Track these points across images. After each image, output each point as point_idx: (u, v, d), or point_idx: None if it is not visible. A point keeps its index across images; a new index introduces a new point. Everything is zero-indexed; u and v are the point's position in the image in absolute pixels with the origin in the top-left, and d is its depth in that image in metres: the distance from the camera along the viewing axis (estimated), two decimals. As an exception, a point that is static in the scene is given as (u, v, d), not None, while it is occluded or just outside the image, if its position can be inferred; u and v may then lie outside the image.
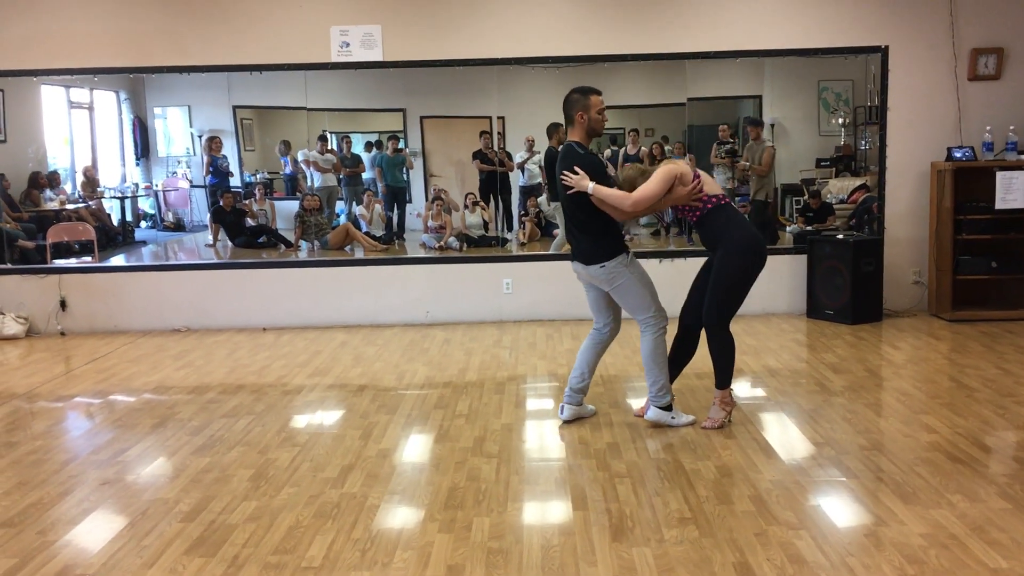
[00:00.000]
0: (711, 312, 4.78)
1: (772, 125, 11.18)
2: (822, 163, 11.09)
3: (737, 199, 10.39)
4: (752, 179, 9.32)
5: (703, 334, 4.92)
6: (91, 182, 11.40)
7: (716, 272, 4.75)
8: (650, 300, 4.82)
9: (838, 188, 10.82)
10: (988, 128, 7.38)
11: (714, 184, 4.81)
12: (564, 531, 3.62)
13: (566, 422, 5.01)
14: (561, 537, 3.56)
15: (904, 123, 7.73)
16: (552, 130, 8.70)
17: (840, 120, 11.51)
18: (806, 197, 9.38)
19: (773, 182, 9.47)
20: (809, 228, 8.78)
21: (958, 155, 7.38)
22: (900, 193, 7.83)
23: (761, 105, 11.80)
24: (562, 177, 4.69)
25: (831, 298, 7.57)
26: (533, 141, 10.31)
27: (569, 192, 4.68)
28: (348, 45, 7.71)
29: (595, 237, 4.77)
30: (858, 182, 10.38)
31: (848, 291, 7.42)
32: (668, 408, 4.90)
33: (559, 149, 4.91)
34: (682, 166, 4.71)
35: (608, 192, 4.61)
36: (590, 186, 4.59)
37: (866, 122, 10.14)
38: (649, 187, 4.59)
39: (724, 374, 4.85)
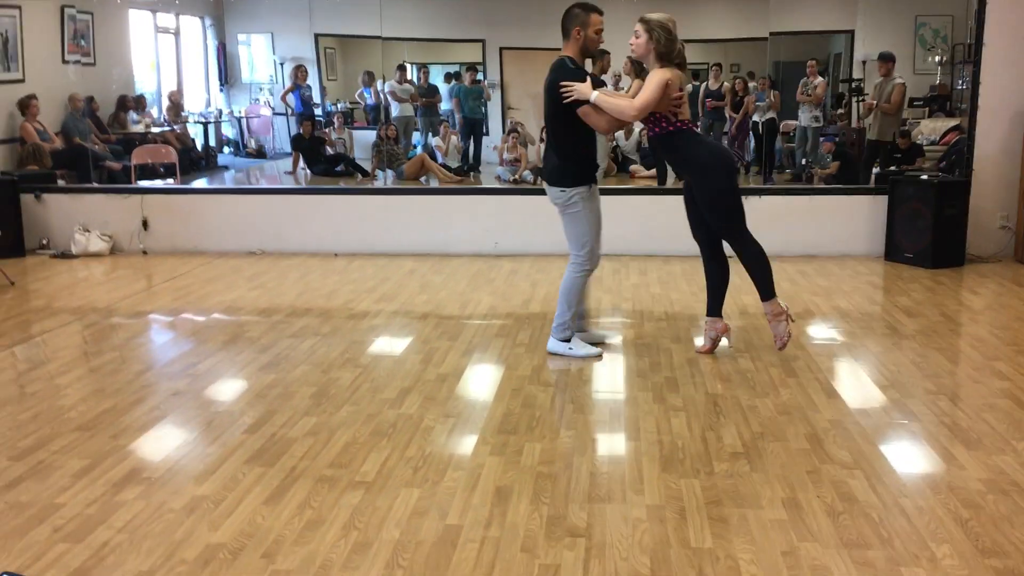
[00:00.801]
0: (724, 234, 4.81)
1: (864, 62, 10.76)
2: (915, 102, 10.65)
3: (823, 138, 10.11)
4: (876, 118, 8.92)
5: (726, 248, 4.92)
6: (176, 107, 11.67)
7: (702, 197, 4.75)
8: (588, 241, 4.83)
9: (930, 129, 10.41)
10: (1092, 67, 6.97)
11: (687, 111, 4.71)
12: (614, 460, 3.63)
13: (578, 357, 4.97)
14: (610, 466, 3.58)
15: (1000, 60, 7.33)
16: (596, 57, 8.57)
17: (937, 58, 11.02)
18: (895, 138, 9.03)
19: (898, 122, 9.07)
20: (894, 169, 8.46)
21: (1057, 95, 7.00)
22: (992, 134, 7.46)
23: (853, 41, 11.37)
24: (562, 89, 4.58)
25: (911, 241, 7.32)
26: (620, 77, 10.10)
27: (566, 101, 4.58)
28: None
29: (568, 159, 4.77)
30: (951, 123, 9.96)
31: (929, 234, 7.15)
32: (566, 340, 4.97)
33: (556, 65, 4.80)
34: (671, 74, 4.54)
35: (612, 101, 4.55)
36: (593, 95, 4.53)
37: (964, 60, 9.67)
38: (648, 93, 4.49)
39: (764, 284, 4.78)
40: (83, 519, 3.15)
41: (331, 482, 3.44)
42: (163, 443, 3.87)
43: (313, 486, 3.41)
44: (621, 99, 4.62)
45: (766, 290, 4.79)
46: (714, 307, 5.00)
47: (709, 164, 4.71)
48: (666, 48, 4.54)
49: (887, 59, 8.85)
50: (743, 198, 4.80)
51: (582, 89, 4.56)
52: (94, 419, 4.11)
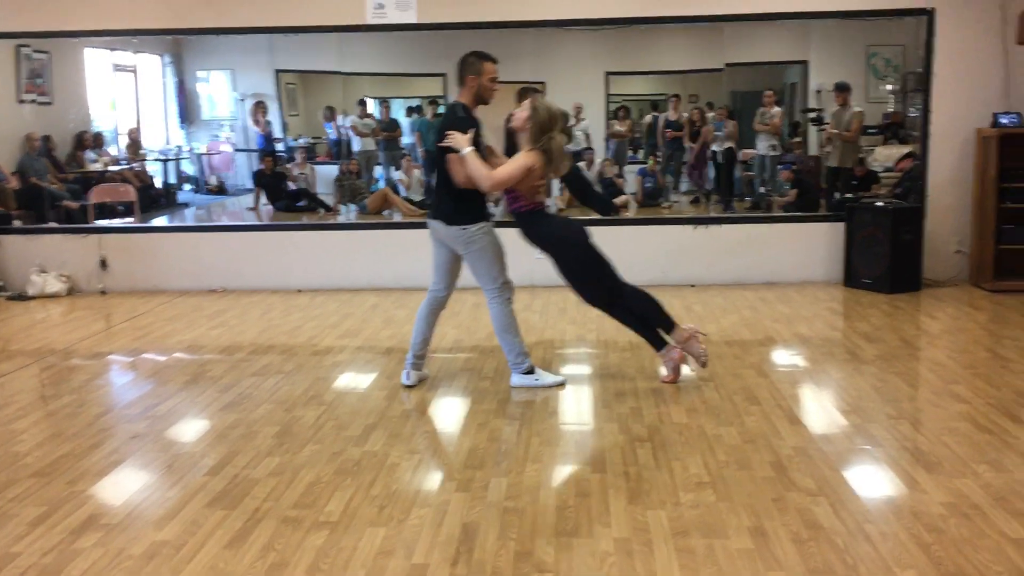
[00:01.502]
0: (600, 302, 4.98)
1: (819, 92, 10.96)
2: (869, 130, 10.83)
3: (780, 167, 10.25)
4: (836, 146, 9.08)
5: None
6: (135, 144, 11.57)
7: (566, 272, 4.90)
8: (499, 271, 4.88)
9: (885, 156, 10.59)
10: (1037, 94, 7.16)
11: (543, 195, 4.87)
12: (580, 492, 3.62)
13: (410, 387, 5.03)
14: (577, 498, 3.56)
15: (950, 88, 7.52)
16: (523, 95, 8.70)
17: (889, 87, 11.25)
18: (855, 165, 9.18)
19: (857, 150, 9.23)
20: (850, 196, 8.60)
21: (1004, 121, 7.18)
22: (944, 160, 7.64)
23: (807, 71, 11.56)
24: (447, 134, 4.64)
25: (869, 267, 7.44)
26: (581, 107, 10.21)
27: (441, 144, 4.67)
28: (382, 7, 7.67)
29: (462, 200, 4.78)
30: (905, 150, 10.13)
31: (887, 260, 7.28)
32: (530, 372, 4.99)
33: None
34: (537, 160, 4.63)
35: (474, 165, 4.58)
36: (466, 149, 4.58)
37: (915, 88, 9.88)
38: (509, 170, 4.61)
39: (662, 322, 4.94)
40: (40, 569, 3.08)
41: (295, 523, 3.40)
42: (122, 488, 3.80)
43: (277, 528, 3.36)
44: (484, 168, 4.61)
45: (666, 325, 4.94)
46: (657, 341, 5.04)
47: (561, 238, 4.84)
48: (540, 132, 4.64)
49: (843, 89, 9.04)
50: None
51: (458, 138, 4.61)
52: (51, 464, 4.03)
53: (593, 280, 4.89)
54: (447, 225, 4.85)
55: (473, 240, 4.81)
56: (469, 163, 4.60)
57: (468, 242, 4.83)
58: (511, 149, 4.83)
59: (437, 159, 4.86)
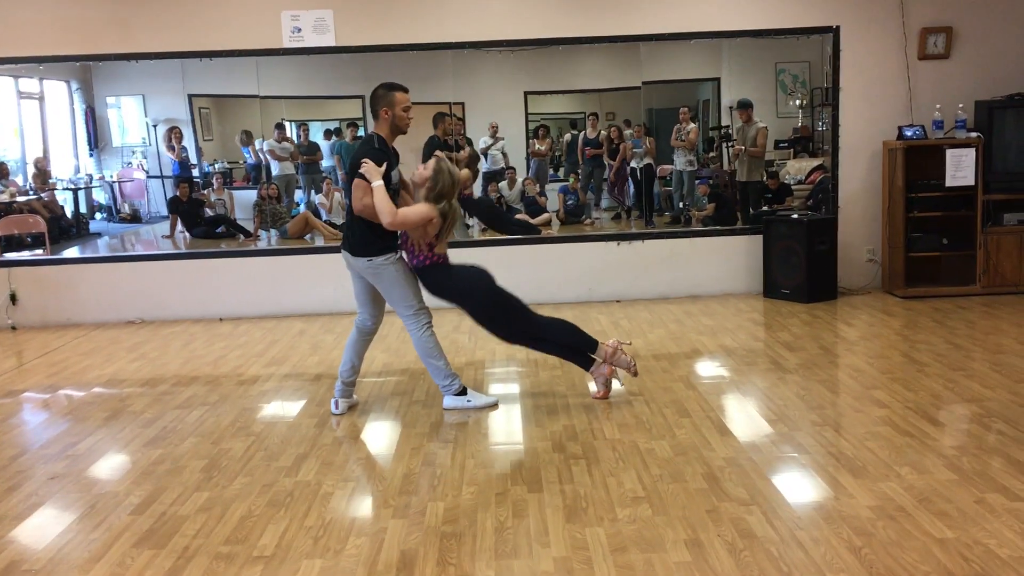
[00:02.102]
0: (518, 338, 5.03)
1: (731, 108, 11.23)
2: (780, 144, 11.16)
3: (698, 181, 10.47)
4: (744, 161, 9.30)
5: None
6: (42, 173, 11.19)
7: (477, 317, 4.96)
8: (412, 298, 4.89)
9: (796, 169, 10.90)
10: (938, 107, 7.47)
11: (444, 246, 4.89)
12: (518, 513, 3.62)
13: (339, 415, 5.02)
14: (515, 519, 3.56)
15: (856, 103, 7.80)
16: (437, 119, 8.80)
17: (797, 102, 11.59)
18: (764, 179, 9.44)
19: (763, 164, 9.48)
20: (766, 209, 8.83)
21: (909, 134, 7.46)
22: (853, 172, 7.90)
23: (719, 88, 11.85)
24: (362, 161, 4.64)
25: (787, 277, 7.64)
26: (497, 127, 10.28)
27: (358, 170, 4.65)
28: (300, 30, 7.62)
29: (368, 231, 4.76)
30: (815, 163, 10.45)
31: (803, 270, 7.49)
32: (462, 393, 5.02)
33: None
34: (436, 214, 4.68)
35: (381, 199, 4.57)
36: (375, 183, 4.59)
37: (823, 103, 10.21)
38: (411, 214, 4.65)
39: (584, 343, 5.02)
40: (-43, 622, 2.94)
41: (228, 559, 3.31)
42: (43, 531, 3.65)
43: (209, 565, 3.27)
44: (389, 204, 4.60)
45: (589, 345, 5.01)
46: (585, 362, 5.10)
47: (467, 287, 4.89)
48: (439, 197, 4.70)
49: (745, 106, 9.30)
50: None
51: (370, 168, 4.61)
52: (-35, 511, 3.85)
53: (505, 322, 4.94)
54: (354, 256, 4.85)
55: (380, 271, 4.81)
56: (376, 195, 4.58)
57: (376, 274, 4.83)
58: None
59: (348, 192, 4.81)
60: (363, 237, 4.79)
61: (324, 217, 10.60)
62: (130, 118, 13.28)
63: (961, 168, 7.22)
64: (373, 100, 4.83)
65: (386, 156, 4.72)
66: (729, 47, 10.08)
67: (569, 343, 5.04)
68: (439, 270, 4.88)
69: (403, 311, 4.90)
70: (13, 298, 7.78)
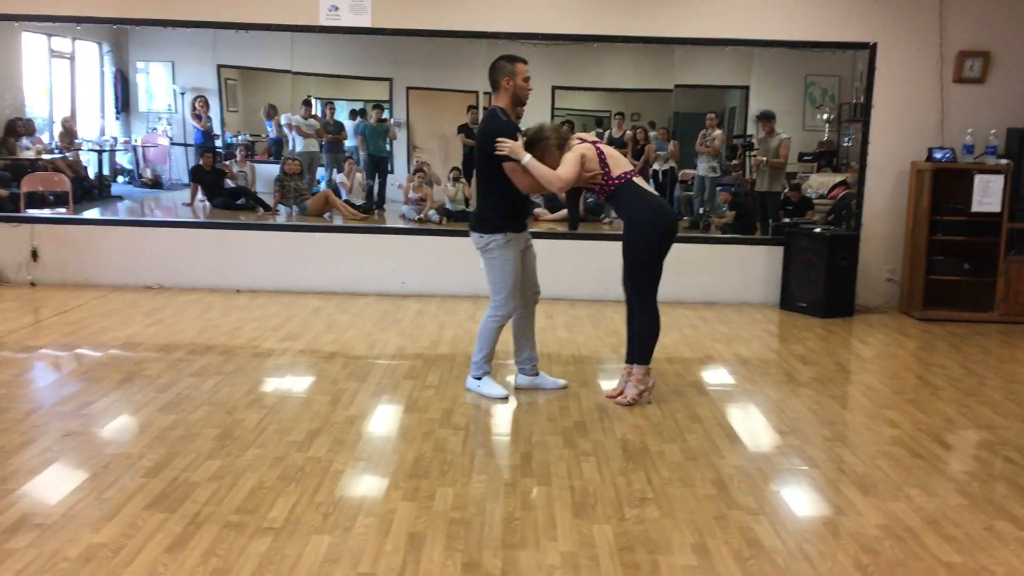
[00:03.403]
0: (633, 288, 4.91)
1: (756, 117, 11.20)
2: (804, 157, 11.13)
3: (719, 188, 10.45)
4: (765, 172, 9.28)
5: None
6: (69, 133, 11.26)
7: (623, 248, 4.87)
8: (503, 288, 4.90)
9: (819, 183, 10.87)
10: (970, 131, 7.43)
11: (621, 162, 4.85)
12: (526, 505, 3.63)
13: (500, 398, 5.04)
14: (523, 511, 3.57)
15: (887, 121, 7.77)
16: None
17: (825, 116, 11.56)
18: (786, 190, 9.42)
19: (784, 175, 9.46)
20: (788, 221, 8.82)
21: (938, 156, 7.43)
22: (879, 191, 7.88)
23: (748, 96, 11.82)
24: (498, 142, 4.67)
25: (805, 291, 7.63)
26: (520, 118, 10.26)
27: (498, 153, 4.68)
28: (337, 9, 7.62)
29: (490, 208, 4.86)
30: (838, 178, 10.43)
31: (822, 285, 7.47)
32: (478, 379, 5.08)
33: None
34: (586, 149, 4.74)
35: (539, 170, 4.65)
36: (526, 157, 4.64)
37: (850, 119, 10.18)
38: (568, 170, 4.67)
39: (643, 351, 4.94)
40: (-31, 570, 2.97)
41: (237, 528, 3.34)
42: (56, 487, 3.68)
43: (219, 533, 3.30)
44: (549, 171, 4.67)
45: (643, 357, 4.96)
46: (632, 355, 5.07)
47: (645, 219, 4.80)
48: (562, 141, 4.77)
49: (768, 118, 9.28)
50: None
51: (516, 149, 4.65)
52: (-21, 461, 3.89)
53: (643, 271, 4.83)
54: (471, 232, 4.92)
55: (488, 249, 4.86)
56: (534, 169, 4.64)
57: (484, 249, 4.88)
58: (468, 161, 4.84)
59: (483, 168, 4.84)
60: (479, 213, 4.91)
61: (344, 196, 10.62)
62: (158, 84, 13.33)
63: (988, 194, 7.19)
64: (493, 72, 4.85)
65: (516, 129, 4.77)
66: (760, 56, 10.06)
67: (638, 339, 4.95)
68: (629, 188, 4.79)
69: (492, 292, 4.95)
70: (34, 254, 7.83)
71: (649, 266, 4.83)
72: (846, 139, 10.91)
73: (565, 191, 4.78)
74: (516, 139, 4.72)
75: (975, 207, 7.25)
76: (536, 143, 4.78)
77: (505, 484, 3.86)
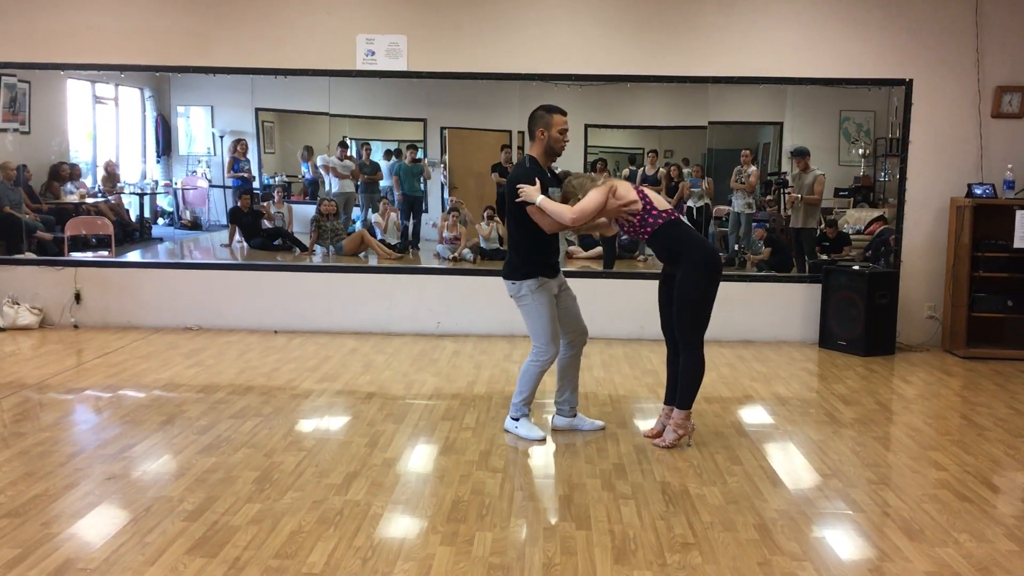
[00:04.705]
0: (683, 332, 4.83)
1: (791, 153, 11.17)
2: (840, 193, 11.05)
3: (755, 224, 10.40)
4: (799, 208, 9.25)
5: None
6: (111, 177, 11.48)
7: (679, 291, 4.79)
8: (542, 333, 4.90)
9: (855, 219, 10.78)
10: (1010, 166, 7.36)
11: (662, 201, 4.84)
12: (566, 550, 3.60)
13: (538, 440, 5.02)
14: (563, 556, 3.54)
15: (925, 157, 7.71)
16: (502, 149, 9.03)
17: (860, 151, 11.49)
18: (823, 227, 9.36)
19: (819, 211, 9.42)
20: (825, 258, 8.75)
21: (978, 192, 7.36)
22: (918, 227, 7.80)
23: (782, 132, 11.79)
24: (517, 188, 4.73)
25: (844, 329, 7.54)
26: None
27: (517, 200, 4.74)
28: (373, 54, 7.75)
29: (519, 254, 4.89)
30: (875, 213, 10.34)
31: (862, 323, 7.39)
32: (516, 420, 5.06)
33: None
34: (618, 182, 4.79)
35: (550, 206, 4.69)
36: (539, 198, 4.68)
37: (886, 154, 10.11)
38: (587, 201, 4.69)
39: (686, 395, 4.88)
40: (14, 615, 3.00)
41: (278, 573, 3.34)
42: (99, 531, 3.71)
43: (259, 578, 3.30)
44: (559, 206, 4.72)
45: (686, 401, 4.90)
46: (672, 396, 5.03)
47: (696, 257, 4.76)
48: (575, 188, 4.85)
49: (802, 154, 9.27)
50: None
51: (529, 191, 4.71)
52: (24, 505, 3.93)
53: (692, 315, 4.77)
54: (504, 279, 4.96)
55: (521, 295, 4.90)
56: (545, 207, 4.68)
57: (517, 297, 4.92)
58: (501, 200, 4.89)
59: (511, 215, 4.90)
60: (510, 261, 4.94)
61: (379, 236, 10.71)
62: (197, 127, 13.58)
63: (1031, 230, 7.09)
64: (531, 121, 4.91)
65: (537, 174, 4.81)
66: (794, 92, 10.03)
67: (684, 383, 4.88)
68: (675, 227, 4.80)
69: (534, 341, 4.96)
70: (78, 297, 7.96)
71: (704, 308, 4.81)
72: (882, 174, 10.84)
73: (578, 223, 4.73)
74: (534, 183, 4.75)
75: (1017, 243, 7.15)
76: (563, 190, 4.87)
77: (544, 528, 3.83)
